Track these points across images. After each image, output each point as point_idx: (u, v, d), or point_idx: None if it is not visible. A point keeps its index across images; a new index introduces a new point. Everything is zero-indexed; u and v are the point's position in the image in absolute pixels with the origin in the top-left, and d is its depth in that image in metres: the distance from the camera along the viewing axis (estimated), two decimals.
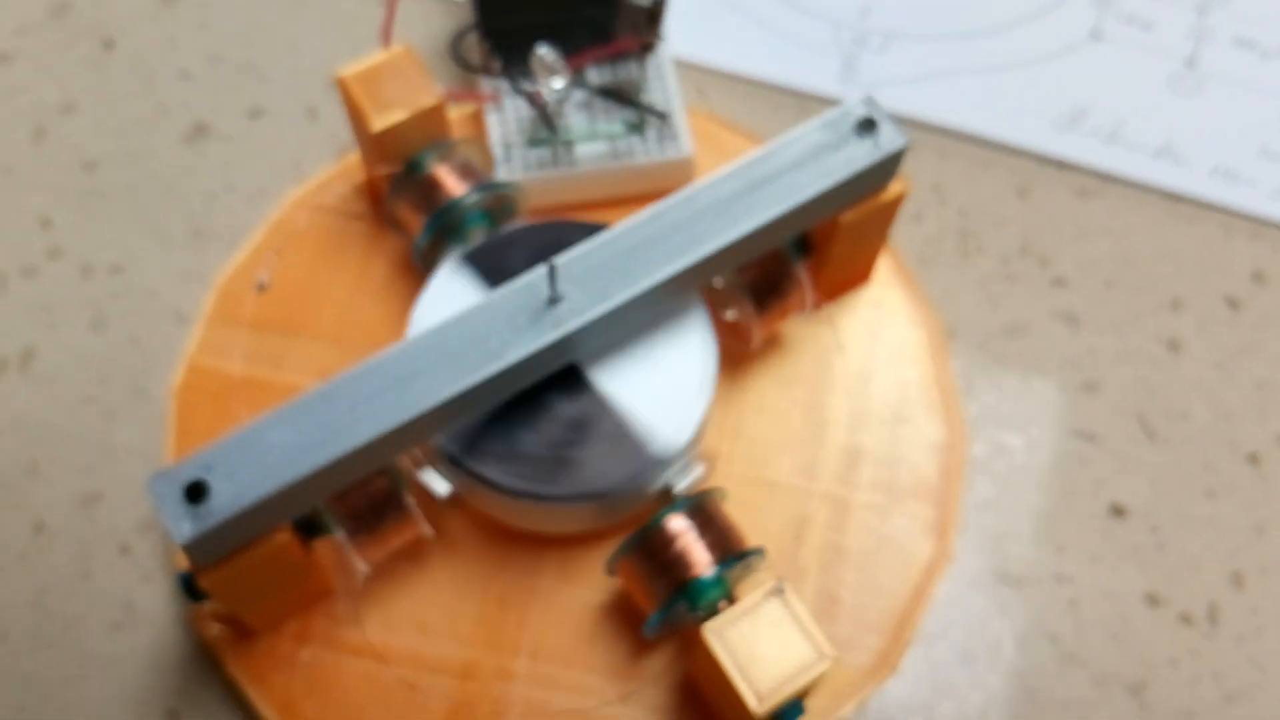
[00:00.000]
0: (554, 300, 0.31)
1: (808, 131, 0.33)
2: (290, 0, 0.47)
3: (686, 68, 0.45)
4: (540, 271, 0.31)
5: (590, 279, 0.31)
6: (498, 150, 0.39)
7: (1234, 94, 0.46)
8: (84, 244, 0.41)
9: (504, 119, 0.39)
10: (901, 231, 0.42)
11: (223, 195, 0.42)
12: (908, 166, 0.42)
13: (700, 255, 0.32)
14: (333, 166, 0.42)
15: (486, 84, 0.39)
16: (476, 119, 0.40)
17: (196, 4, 0.47)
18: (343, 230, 0.40)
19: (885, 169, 0.34)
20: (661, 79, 0.40)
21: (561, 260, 0.31)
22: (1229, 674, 0.36)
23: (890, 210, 0.35)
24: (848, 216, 0.35)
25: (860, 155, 0.33)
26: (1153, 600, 0.36)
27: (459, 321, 0.31)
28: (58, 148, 0.42)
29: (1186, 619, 0.36)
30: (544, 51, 0.37)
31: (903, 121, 0.44)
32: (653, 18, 0.37)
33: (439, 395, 0.30)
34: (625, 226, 0.32)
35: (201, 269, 0.40)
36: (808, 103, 0.45)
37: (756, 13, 0.46)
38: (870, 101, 0.34)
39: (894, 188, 0.35)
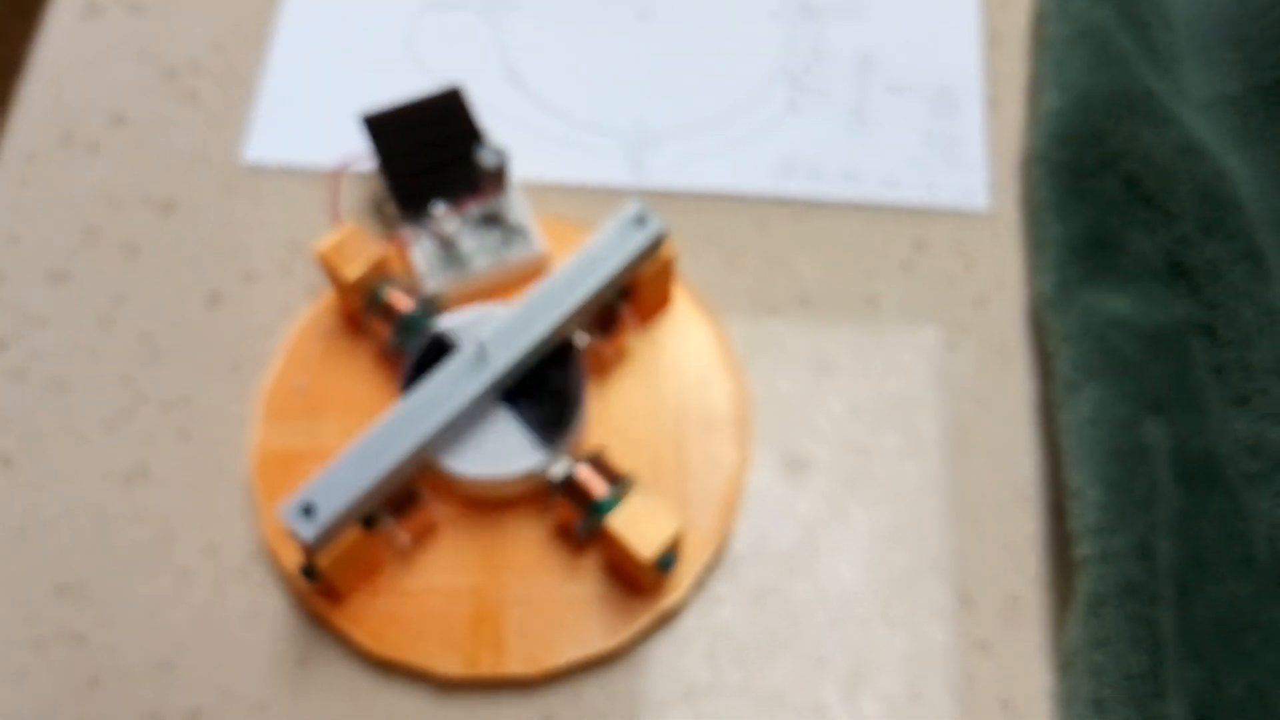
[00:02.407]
0: (483, 360, 0.56)
1: (606, 231, 0.58)
2: (252, 195, 0.70)
3: (535, 187, 0.69)
4: (472, 347, 0.56)
5: (503, 342, 0.57)
6: (423, 272, 0.63)
7: (887, 127, 0.69)
8: (162, 389, 0.62)
9: (423, 250, 0.64)
10: (689, 264, 0.65)
11: (244, 338, 0.63)
12: (685, 220, 0.65)
13: (559, 318, 0.57)
14: (315, 303, 0.62)
15: (407, 229, 0.64)
16: (405, 255, 0.64)
17: (189, 208, 0.67)
18: (336, 341, 0.62)
19: (657, 244, 0.59)
20: (517, 204, 0.64)
21: (485, 339, 0.56)
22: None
23: (668, 265, 0.61)
24: (643, 273, 0.60)
25: (639, 239, 0.58)
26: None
27: (431, 383, 0.55)
28: (124, 328, 0.64)
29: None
30: (438, 209, 0.62)
31: (675, 194, 0.67)
32: (499, 175, 0.62)
33: (430, 428, 0.54)
34: (515, 310, 0.57)
35: (246, 387, 0.62)
36: (615, 195, 0.70)
37: (570, 141, 0.70)
38: (640, 203, 0.58)
39: (665, 251, 0.60)
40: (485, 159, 0.58)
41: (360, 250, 0.57)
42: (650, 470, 0.58)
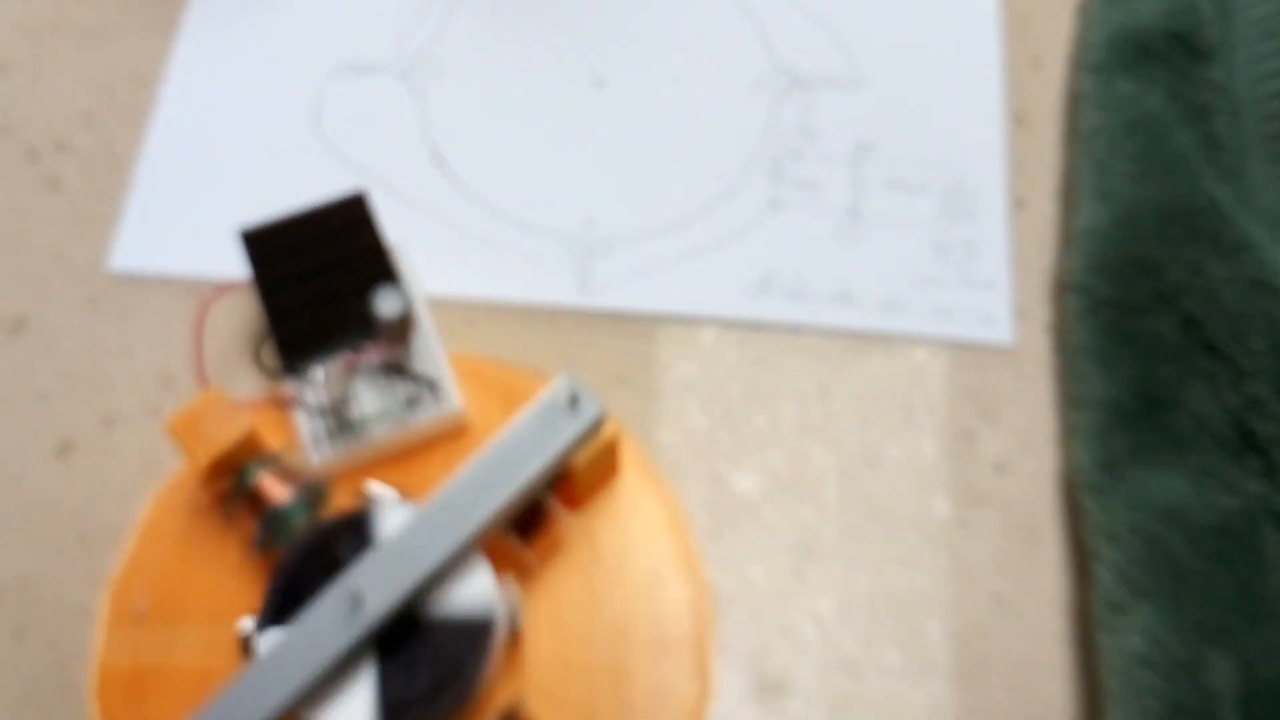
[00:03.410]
0: (356, 608, 0.42)
1: (528, 419, 0.44)
2: (119, 312, 0.57)
3: (453, 305, 0.56)
4: (342, 594, 0.42)
5: (384, 584, 0.43)
6: (307, 441, 0.50)
7: (888, 233, 0.57)
8: None
9: (309, 413, 0.50)
10: (639, 412, 0.54)
11: (98, 501, 0.52)
12: (639, 349, 0.55)
13: (457, 546, 0.43)
14: (182, 464, 0.50)
15: (291, 383, 0.50)
16: (285, 419, 0.51)
17: (42, 327, 0.56)
18: (199, 524, 0.50)
19: (594, 429, 0.45)
20: (427, 351, 0.51)
21: (361, 581, 0.42)
22: None
23: (611, 446, 0.47)
24: (578, 460, 0.47)
25: (571, 429, 0.45)
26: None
27: (290, 634, 0.42)
28: None
29: None
30: (327, 366, 0.49)
31: (629, 316, 0.55)
32: (403, 326, 0.49)
33: (281, 698, 0.41)
34: (402, 537, 0.43)
35: (95, 569, 0.50)
36: (557, 316, 0.56)
37: (504, 243, 0.57)
38: (571, 382, 0.45)
39: (608, 432, 0.47)
40: (383, 308, 0.45)
41: (220, 424, 0.46)
42: (583, 712, 0.46)
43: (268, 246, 0.51)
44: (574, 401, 0.44)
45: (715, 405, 0.54)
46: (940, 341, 0.55)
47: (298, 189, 0.56)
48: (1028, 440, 0.53)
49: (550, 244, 0.56)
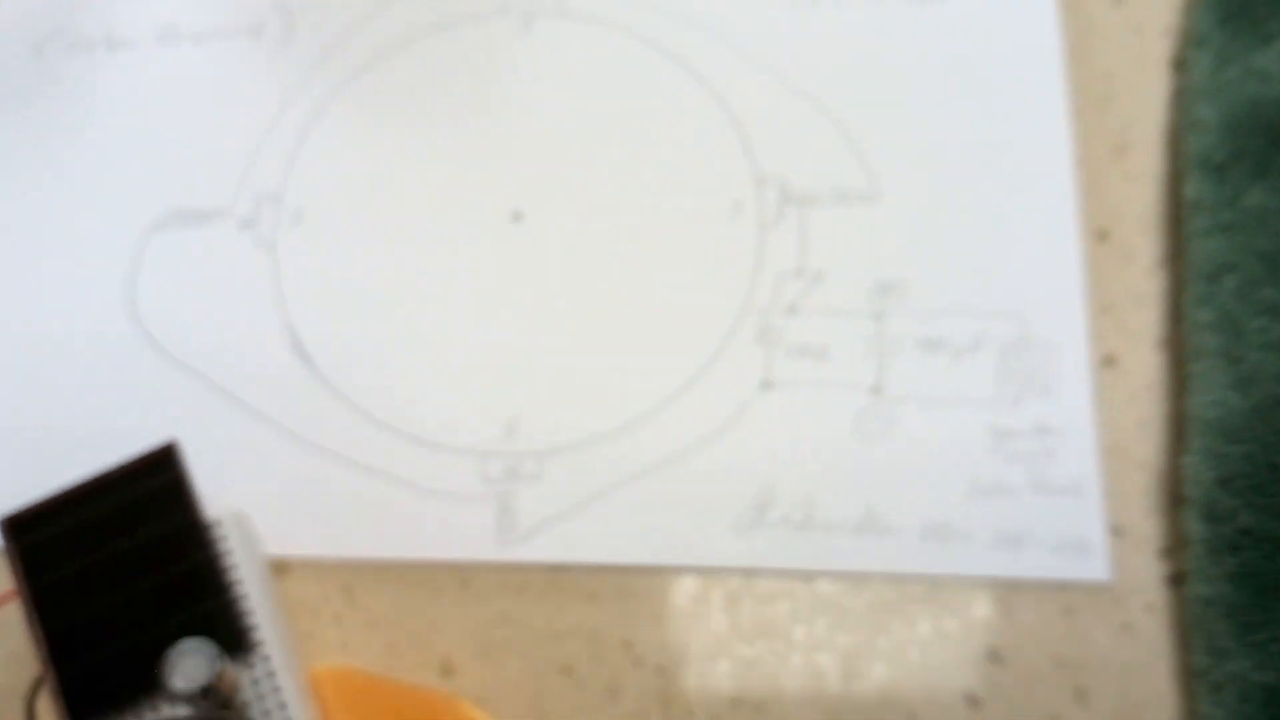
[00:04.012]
0: None
1: None
2: None
3: (320, 570, 0.39)
4: None
5: None
6: None
7: (932, 417, 0.41)
8: None
9: None
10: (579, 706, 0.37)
11: None
12: (589, 625, 0.39)
13: None
14: None
15: None
16: None
17: None
18: None
19: None
20: (271, 690, 0.34)
21: None
22: None
23: None
24: None
25: None
26: None
27: None
28: None
29: None
30: None
31: (572, 569, 0.41)
32: (221, 688, 0.31)
33: None
34: None
35: None
36: (470, 575, 0.39)
37: (388, 466, 0.42)
38: None
39: None
40: (177, 680, 0.28)
41: None
42: None
43: (42, 539, 0.34)
44: None
45: (700, 696, 0.39)
46: (1008, 584, 0.40)
47: (106, 401, 0.43)
48: None
49: (456, 465, 0.39)
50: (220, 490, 0.40)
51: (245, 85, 0.46)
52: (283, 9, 0.46)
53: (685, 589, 0.40)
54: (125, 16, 0.48)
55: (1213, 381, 0.39)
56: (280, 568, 0.41)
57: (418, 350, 0.42)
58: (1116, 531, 0.39)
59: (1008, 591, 0.39)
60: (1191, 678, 0.37)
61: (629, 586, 0.40)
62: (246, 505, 0.39)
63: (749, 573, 0.40)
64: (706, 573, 0.40)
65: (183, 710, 0.33)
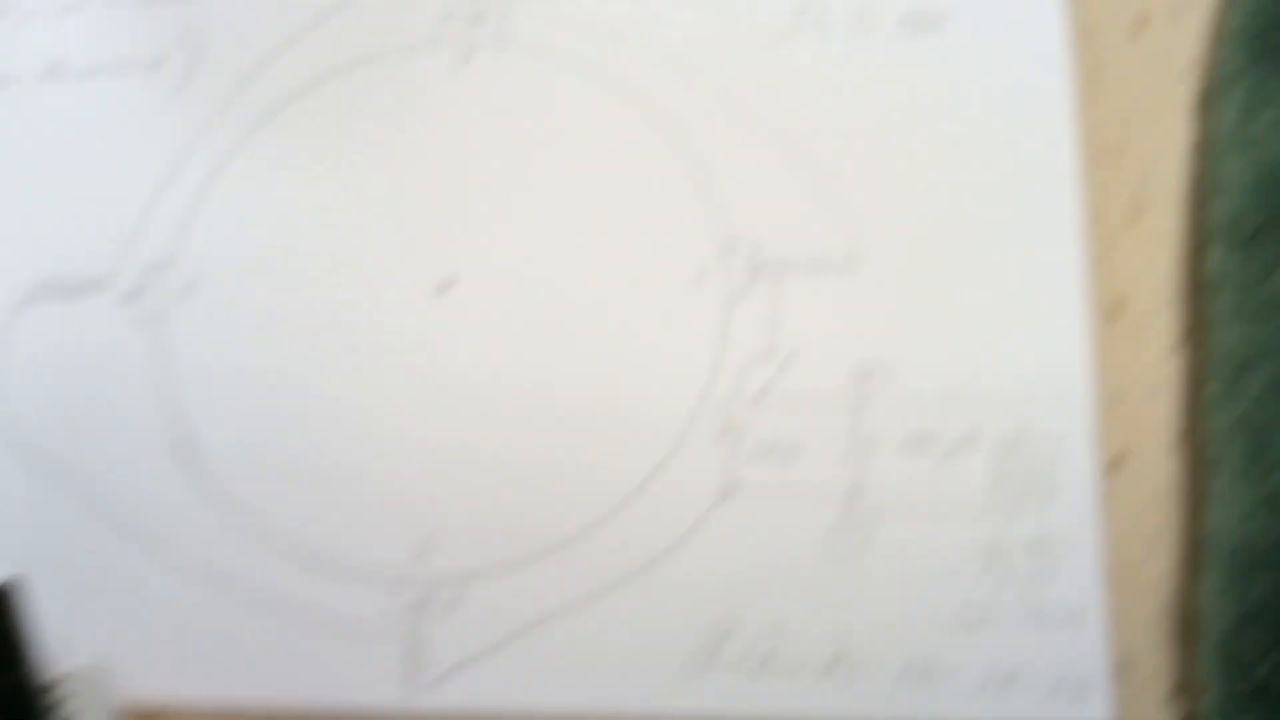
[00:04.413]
0: None
1: None
2: None
3: (206, 716, 0.33)
4: None
5: None
6: None
7: (914, 529, 0.36)
8: None
9: None
10: None
11: None
12: None
13: None
14: None
15: None
16: None
17: None
18: None
19: None
20: None
21: None
22: None
23: None
24: None
25: None
26: None
27: None
28: None
29: None
30: None
31: (498, 716, 0.36)
32: None
33: None
34: None
35: None
36: None
37: (281, 594, 0.36)
38: None
39: None
40: None
41: None
42: None
43: None
44: None
45: None
46: None
47: None
48: None
49: (359, 593, 0.33)
50: (82, 628, 0.34)
51: (139, 131, 0.40)
52: (187, 39, 0.40)
53: None
54: (3, 49, 0.41)
55: (1236, 498, 0.33)
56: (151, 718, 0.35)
57: (321, 450, 0.36)
58: (1121, 668, 0.34)
59: None
60: None
61: None
62: (111, 642, 0.34)
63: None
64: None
65: None
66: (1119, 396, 0.37)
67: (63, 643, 0.33)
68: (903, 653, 0.34)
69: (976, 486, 0.36)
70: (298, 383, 0.37)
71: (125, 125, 0.41)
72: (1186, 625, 0.34)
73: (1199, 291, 0.37)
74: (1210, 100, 0.38)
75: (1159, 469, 0.36)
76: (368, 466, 0.36)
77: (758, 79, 0.39)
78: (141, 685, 0.35)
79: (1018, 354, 0.37)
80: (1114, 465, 0.36)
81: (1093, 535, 0.35)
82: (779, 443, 0.36)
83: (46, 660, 0.32)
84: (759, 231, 0.38)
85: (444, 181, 0.39)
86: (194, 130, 0.40)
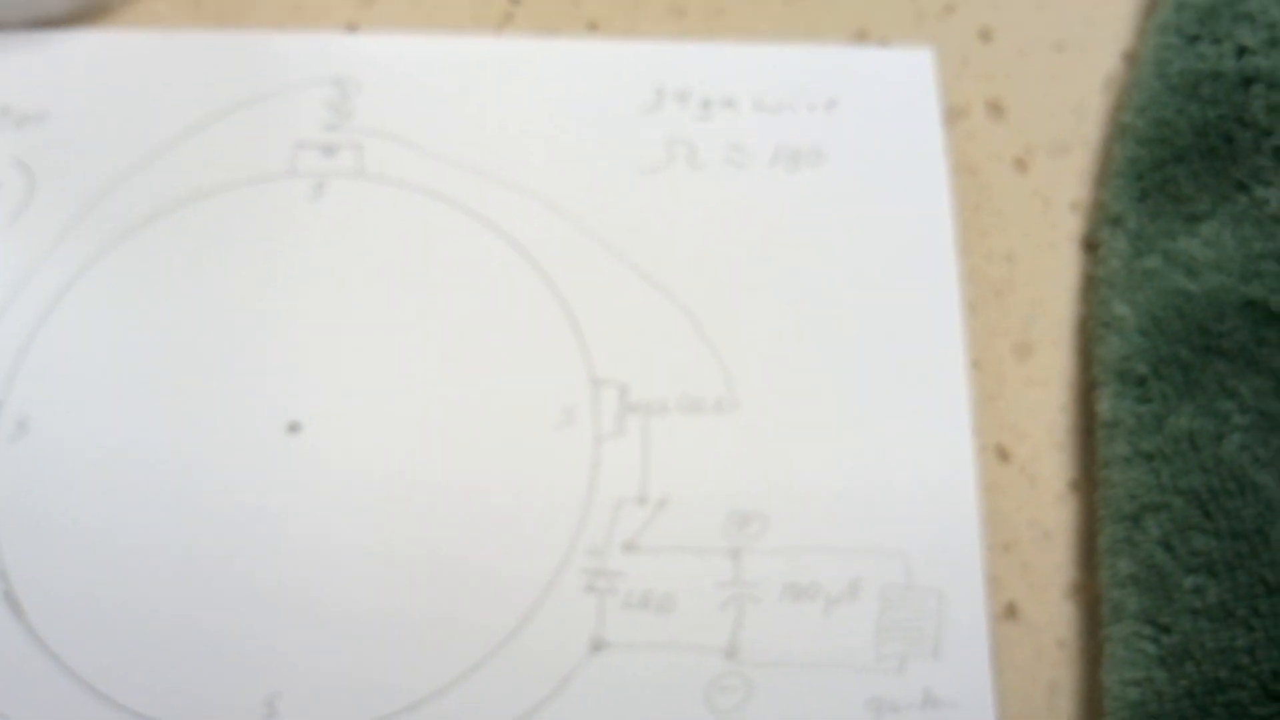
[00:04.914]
0: None
1: None
2: None
3: None
4: None
5: None
6: None
7: (797, 683, 0.34)
8: None
9: None
10: None
11: None
12: None
13: None
14: None
15: None
16: None
17: None
18: None
19: None
20: None
21: None
22: None
23: None
24: None
25: None
26: None
27: None
28: None
29: None
30: None
31: None
32: None
33: None
34: None
35: None
36: None
37: None
38: None
39: None
40: None
41: None
42: None
43: None
44: None
45: None
46: None
47: None
48: None
49: None
50: None
51: None
52: (22, 165, 0.37)
53: None
54: None
55: (1136, 653, 0.31)
56: None
57: (160, 605, 0.33)
58: None
59: None
60: None
61: None
62: None
63: None
64: None
65: None
66: (1009, 544, 0.35)
67: None
68: None
69: (862, 639, 0.34)
70: (133, 531, 0.34)
71: None
72: None
73: (1091, 434, 0.35)
74: (1098, 237, 0.36)
75: (1055, 619, 0.34)
76: (208, 623, 0.33)
77: (626, 214, 0.37)
78: None
79: (902, 500, 0.35)
80: (1006, 615, 0.34)
81: (986, 688, 0.33)
82: (652, 594, 0.34)
83: None
84: (629, 370, 0.36)
85: (295, 317, 0.36)
86: (28, 262, 0.38)
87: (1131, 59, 0.39)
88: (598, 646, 0.33)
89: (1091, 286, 0.37)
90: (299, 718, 0.33)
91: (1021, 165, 0.38)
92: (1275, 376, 0.33)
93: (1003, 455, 0.35)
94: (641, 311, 0.37)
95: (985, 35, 0.40)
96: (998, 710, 0.32)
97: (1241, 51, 0.36)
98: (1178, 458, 0.33)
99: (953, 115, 0.39)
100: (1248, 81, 0.36)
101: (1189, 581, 0.31)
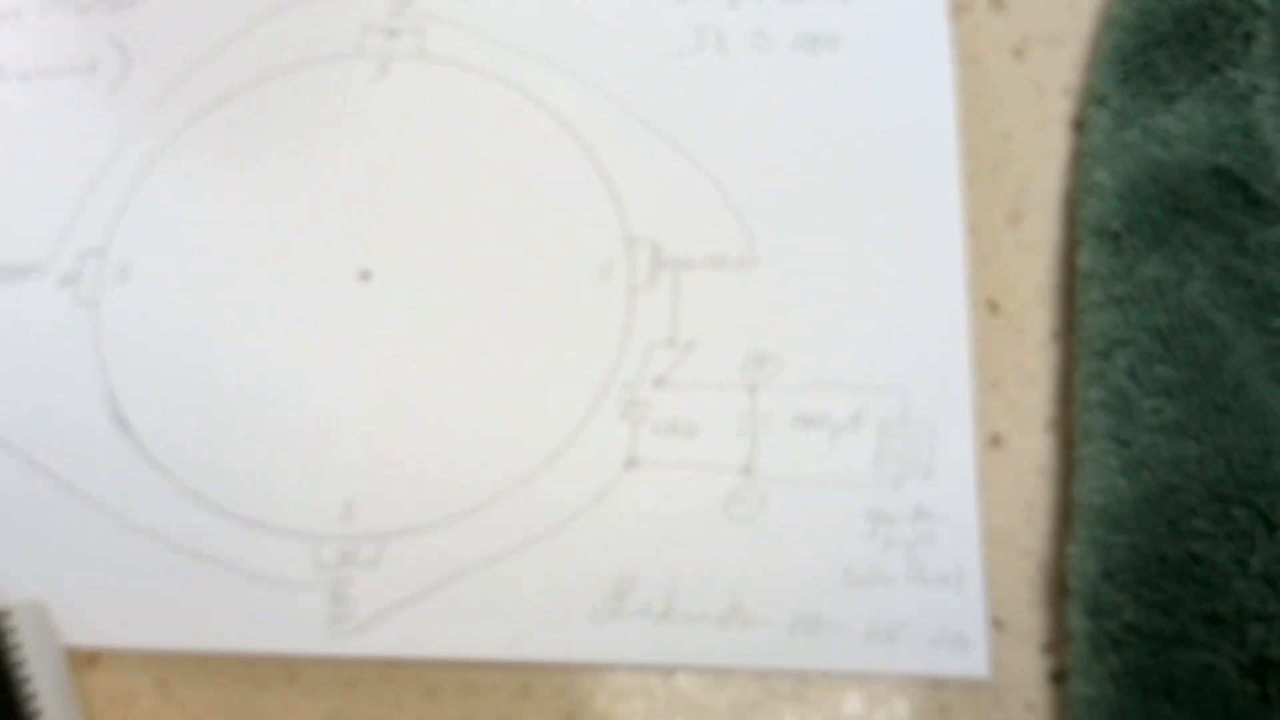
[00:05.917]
0: None
1: None
2: None
3: (138, 662, 0.35)
4: None
5: None
6: None
7: (804, 497, 0.39)
8: None
9: None
10: None
11: None
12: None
13: None
14: None
15: None
16: None
17: None
18: None
19: None
20: None
21: None
22: None
23: None
24: None
25: None
26: None
27: None
28: None
29: None
30: None
31: (411, 665, 0.37)
32: None
33: None
34: None
35: None
36: (299, 670, 0.35)
37: (212, 547, 0.38)
38: None
39: None
40: None
41: None
42: None
43: None
44: None
45: None
46: (882, 680, 0.37)
47: None
48: None
49: (286, 549, 0.36)
50: (22, 572, 0.36)
51: (74, 129, 0.42)
52: (120, 45, 0.43)
53: (534, 685, 0.36)
54: None
55: (1101, 466, 0.36)
56: (88, 659, 0.37)
57: (249, 421, 0.38)
58: (998, 624, 0.36)
59: (881, 688, 0.36)
60: None
61: (473, 683, 0.36)
62: (52, 588, 0.36)
63: (604, 668, 0.36)
64: (558, 668, 0.36)
65: None
66: (996, 383, 0.40)
67: (7, 582, 0.35)
68: (793, 607, 0.37)
69: (863, 461, 0.38)
70: (225, 360, 0.39)
71: (62, 124, 0.43)
72: (1058, 587, 0.37)
73: (1072, 287, 0.40)
74: (1085, 117, 0.41)
75: (1034, 448, 0.39)
76: (294, 437, 0.38)
77: (662, 92, 0.42)
78: (77, 631, 0.36)
79: (902, 344, 0.39)
80: (991, 444, 0.39)
81: (971, 505, 0.38)
82: (678, 421, 0.39)
83: None
84: (660, 230, 0.41)
85: (364, 180, 0.42)
86: (127, 129, 0.43)
87: None
88: (631, 464, 0.38)
89: (1078, 160, 0.41)
90: (370, 515, 0.38)
91: (1019, 54, 0.43)
92: (1236, 234, 0.38)
93: (993, 308, 0.40)
94: (672, 178, 0.41)
95: None
96: (981, 523, 0.37)
97: None
98: (1144, 301, 0.38)
99: (957, 8, 0.44)
100: None
101: (1149, 404, 0.36)
